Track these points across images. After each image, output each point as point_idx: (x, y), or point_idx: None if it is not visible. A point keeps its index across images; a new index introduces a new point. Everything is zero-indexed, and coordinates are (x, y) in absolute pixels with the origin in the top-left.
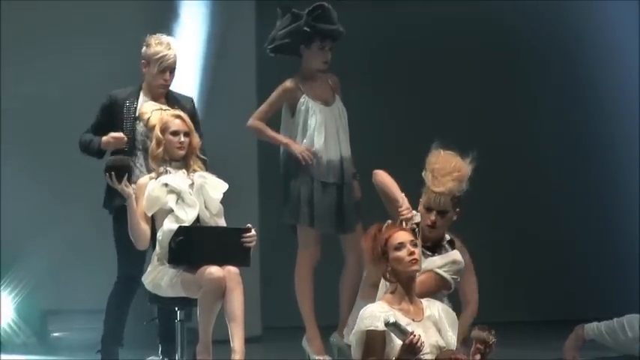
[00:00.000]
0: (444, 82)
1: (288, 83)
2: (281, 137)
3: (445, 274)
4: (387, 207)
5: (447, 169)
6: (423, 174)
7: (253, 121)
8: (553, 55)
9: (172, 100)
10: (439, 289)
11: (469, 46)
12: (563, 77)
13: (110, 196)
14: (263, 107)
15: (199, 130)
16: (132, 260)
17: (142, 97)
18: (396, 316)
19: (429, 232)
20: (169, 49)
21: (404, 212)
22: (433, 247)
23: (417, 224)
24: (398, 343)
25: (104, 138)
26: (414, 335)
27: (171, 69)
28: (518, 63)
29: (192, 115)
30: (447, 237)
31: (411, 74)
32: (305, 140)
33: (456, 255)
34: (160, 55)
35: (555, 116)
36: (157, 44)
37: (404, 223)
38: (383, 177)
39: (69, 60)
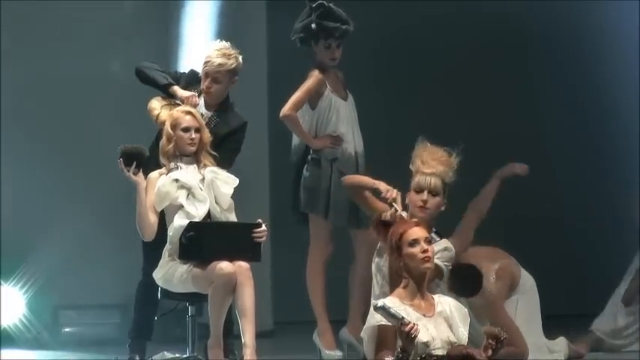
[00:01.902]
0: (448, 80)
1: (317, 72)
2: (306, 134)
3: (439, 262)
4: (366, 209)
5: (434, 155)
6: (410, 166)
7: (290, 112)
8: (557, 52)
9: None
10: (434, 277)
11: (469, 43)
12: (564, 77)
13: None
14: (298, 96)
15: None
16: (157, 255)
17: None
18: (407, 311)
19: (420, 213)
20: (227, 59)
21: (388, 194)
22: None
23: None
24: None
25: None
26: (405, 319)
27: (212, 77)
28: (521, 61)
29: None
30: (434, 229)
31: (415, 72)
32: (327, 132)
33: (446, 242)
34: (205, 60)
35: (563, 112)
36: (218, 56)
37: (393, 207)
38: (352, 177)
39: (77, 58)
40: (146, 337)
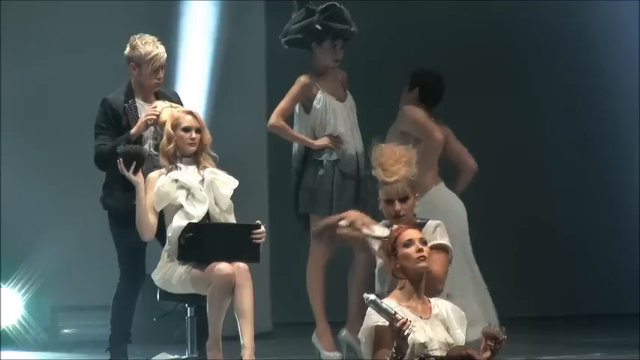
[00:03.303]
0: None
1: (304, 78)
2: (303, 137)
3: (447, 242)
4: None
5: (393, 157)
6: (372, 173)
7: (276, 120)
8: (557, 53)
9: (162, 96)
10: (451, 260)
11: (470, 44)
12: (565, 77)
13: (105, 194)
14: (283, 105)
15: None
16: (133, 259)
17: (136, 97)
18: (403, 312)
19: (396, 222)
20: (158, 47)
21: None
22: None
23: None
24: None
25: (135, 127)
26: (397, 315)
27: (162, 67)
28: (521, 62)
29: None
30: (417, 220)
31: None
32: (326, 134)
33: (435, 221)
34: (152, 55)
35: (560, 115)
36: (145, 44)
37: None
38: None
39: (77, 58)
40: (126, 340)
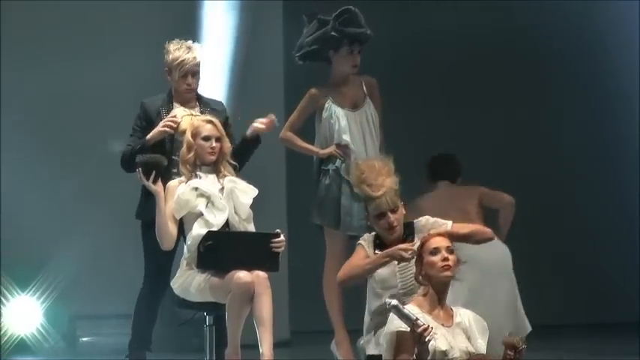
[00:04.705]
0: (447, 82)
1: (313, 90)
2: (310, 146)
3: (448, 226)
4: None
5: (374, 171)
6: (356, 191)
7: (284, 133)
8: (567, 54)
9: (204, 104)
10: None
11: (475, 48)
12: (566, 76)
13: (144, 207)
14: (292, 117)
15: (230, 133)
16: (159, 264)
17: (174, 104)
18: (425, 319)
19: (391, 235)
20: (188, 52)
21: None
22: (404, 240)
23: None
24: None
25: (151, 133)
26: (419, 321)
27: (192, 72)
28: (526, 64)
29: (225, 119)
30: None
31: (434, 78)
32: (334, 143)
33: (425, 217)
34: (179, 60)
35: (574, 118)
36: (176, 50)
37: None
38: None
39: (98, 63)
40: (146, 347)
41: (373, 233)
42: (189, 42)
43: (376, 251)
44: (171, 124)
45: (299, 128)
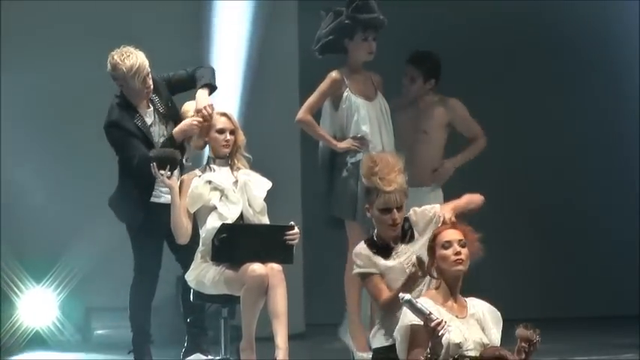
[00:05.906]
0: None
1: (335, 74)
2: (329, 137)
3: (448, 215)
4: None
5: (388, 166)
6: (365, 182)
7: (303, 115)
8: (567, 53)
9: (157, 96)
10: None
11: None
12: (565, 77)
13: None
14: (312, 100)
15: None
16: (149, 256)
17: (136, 108)
18: (439, 311)
19: (393, 231)
20: (137, 57)
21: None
22: (403, 236)
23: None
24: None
25: (180, 130)
26: (432, 315)
27: (147, 73)
28: (526, 63)
29: (168, 81)
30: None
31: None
32: (351, 133)
33: (412, 209)
34: (136, 66)
35: (586, 116)
36: (125, 59)
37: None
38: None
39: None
40: (148, 341)
41: (363, 244)
42: (127, 47)
43: (377, 255)
44: (206, 114)
45: (317, 111)
